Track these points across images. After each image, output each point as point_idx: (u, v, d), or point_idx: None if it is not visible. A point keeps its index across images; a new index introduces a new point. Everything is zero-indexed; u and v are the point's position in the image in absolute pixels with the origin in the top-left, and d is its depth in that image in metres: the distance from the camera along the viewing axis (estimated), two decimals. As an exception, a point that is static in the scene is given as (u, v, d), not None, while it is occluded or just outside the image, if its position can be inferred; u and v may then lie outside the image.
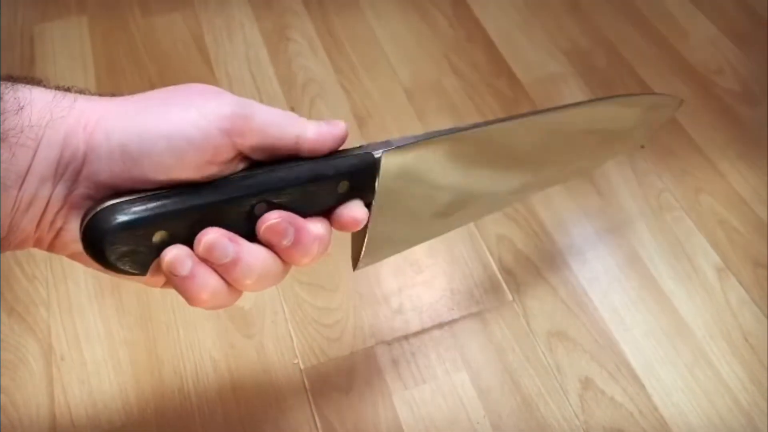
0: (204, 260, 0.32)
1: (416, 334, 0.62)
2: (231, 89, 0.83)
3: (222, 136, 0.31)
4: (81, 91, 0.33)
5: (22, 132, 0.29)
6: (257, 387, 0.59)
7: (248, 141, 0.33)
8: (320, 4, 0.95)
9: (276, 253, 0.34)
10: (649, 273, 0.66)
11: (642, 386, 0.59)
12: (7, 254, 0.67)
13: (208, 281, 0.32)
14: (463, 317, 0.63)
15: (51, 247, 0.33)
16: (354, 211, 0.37)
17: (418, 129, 0.79)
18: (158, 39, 0.91)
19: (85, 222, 0.30)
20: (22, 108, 0.29)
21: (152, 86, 0.84)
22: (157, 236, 0.31)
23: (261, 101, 0.81)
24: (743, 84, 0.83)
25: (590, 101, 0.52)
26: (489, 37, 0.90)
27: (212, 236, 0.32)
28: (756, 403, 0.58)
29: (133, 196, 0.31)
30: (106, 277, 0.65)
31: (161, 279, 0.34)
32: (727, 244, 0.68)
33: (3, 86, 0.29)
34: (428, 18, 0.93)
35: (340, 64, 0.87)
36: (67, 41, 0.90)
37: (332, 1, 0.95)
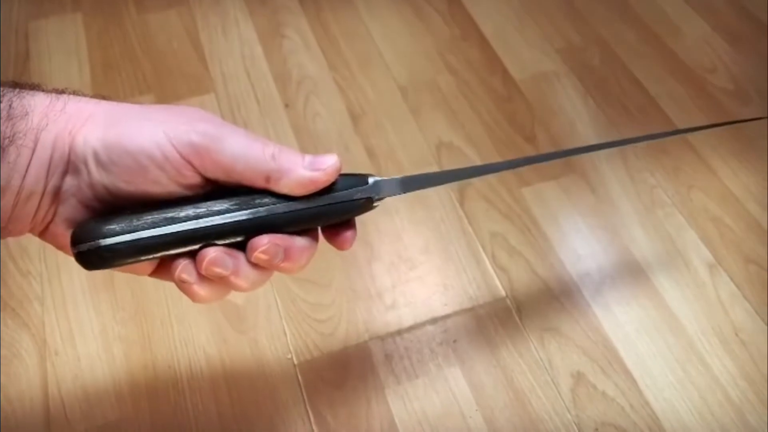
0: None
1: (409, 329, 0.63)
2: (225, 86, 0.83)
3: (184, 163, 0.33)
4: (75, 93, 0.35)
5: (25, 135, 0.32)
6: (251, 382, 0.59)
7: (211, 174, 0.34)
8: (315, 0, 0.95)
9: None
10: (641, 269, 0.66)
11: (633, 381, 0.59)
12: (1, 249, 0.67)
13: (208, 289, 0.35)
14: (456, 313, 0.64)
15: (42, 236, 0.36)
16: (344, 235, 0.38)
17: (412, 126, 0.79)
18: (153, 36, 0.91)
19: (72, 243, 0.33)
20: (27, 114, 0.32)
21: (147, 83, 0.84)
22: (144, 258, 0.34)
23: (256, 98, 0.82)
24: (736, 82, 0.84)
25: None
26: (483, 34, 0.90)
27: (213, 255, 0.34)
28: (747, 399, 0.58)
29: (120, 225, 0.33)
30: (100, 273, 0.65)
31: (151, 268, 0.37)
32: (719, 240, 0.68)
33: (13, 93, 0.32)
34: (423, 15, 0.93)
35: (335, 61, 0.87)
36: (62, 38, 0.90)
37: (327, -2, 0.96)
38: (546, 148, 0.77)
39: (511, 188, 0.73)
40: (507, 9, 0.94)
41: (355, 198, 0.37)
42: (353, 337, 0.62)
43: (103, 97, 0.36)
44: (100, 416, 0.57)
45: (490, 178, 0.74)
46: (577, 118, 0.80)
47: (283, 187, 0.34)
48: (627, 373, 0.59)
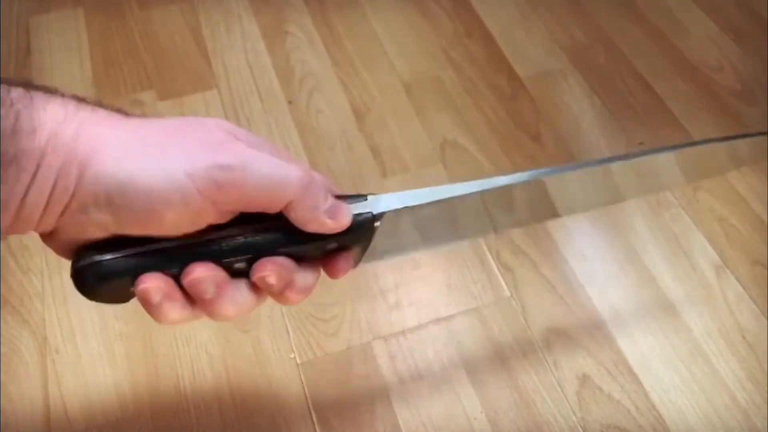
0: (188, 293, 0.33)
1: (413, 329, 0.62)
2: (228, 82, 0.83)
3: (205, 205, 0.31)
4: (95, 105, 0.31)
5: (29, 157, 0.28)
6: (253, 381, 0.59)
7: (231, 207, 0.32)
8: (319, -3, 0.95)
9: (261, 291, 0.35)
10: (647, 270, 0.66)
11: (639, 383, 0.58)
12: (2, 246, 0.67)
13: (183, 311, 0.34)
14: (461, 313, 0.63)
15: (44, 240, 0.33)
16: (340, 264, 0.37)
17: (416, 124, 0.78)
18: (155, 31, 0.90)
19: (72, 272, 0.33)
20: (34, 130, 0.28)
21: (149, 79, 0.83)
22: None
23: (258, 94, 0.81)
24: (743, 82, 0.83)
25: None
26: (488, 32, 0.90)
27: (198, 275, 0.32)
28: (753, 401, 0.57)
29: (115, 256, 0.32)
30: (102, 270, 0.65)
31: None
32: (725, 241, 0.68)
33: (22, 103, 0.28)
34: (427, 12, 0.93)
35: (338, 57, 0.87)
36: (63, 33, 0.89)
37: (331, -6, 0.95)
38: (551, 147, 0.76)
39: (516, 187, 0.72)
40: (512, 6, 0.93)
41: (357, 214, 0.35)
42: (357, 337, 0.61)
43: (118, 110, 0.32)
44: (101, 415, 0.57)
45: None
46: (583, 116, 0.80)
47: (294, 219, 0.33)
48: (632, 375, 0.59)
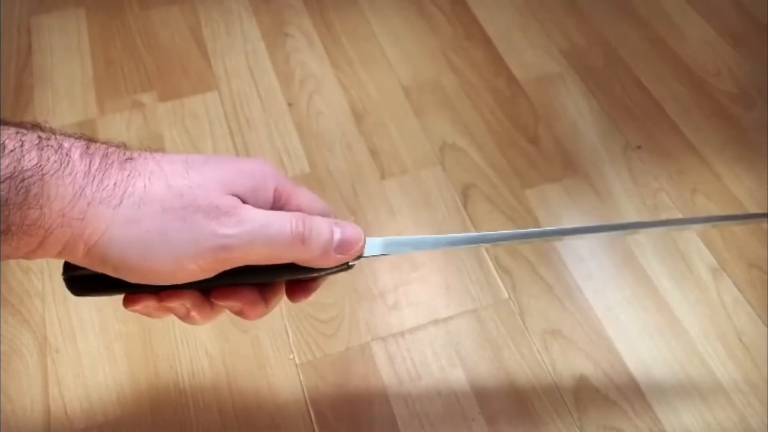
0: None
1: (412, 330, 0.62)
2: (228, 84, 0.83)
3: (203, 272, 0.33)
4: (102, 160, 0.32)
5: (38, 230, 0.30)
6: (253, 381, 0.59)
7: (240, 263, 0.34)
8: (319, -1, 0.95)
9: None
10: (644, 272, 0.66)
11: (636, 385, 0.59)
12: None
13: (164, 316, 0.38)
14: (459, 314, 0.63)
15: None
16: (308, 290, 0.40)
17: (415, 126, 0.79)
18: (156, 32, 0.90)
19: (64, 279, 0.36)
20: (42, 208, 0.29)
21: (149, 79, 0.84)
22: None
23: (259, 96, 0.81)
24: (740, 86, 0.84)
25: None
26: (487, 35, 0.90)
27: (173, 305, 0.36)
28: (750, 403, 0.58)
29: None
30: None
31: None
32: (722, 244, 0.68)
33: (32, 180, 0.29)
34: (426, 15, 0.93)
35: (338, 59, 0.87)
36: (64, 33, 0.90)
37: (331, -4, 0.95)
38: (549, 150, 0.77)
39: (515, 190, 0.73)
40: (511, 9, 0.94)
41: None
42: (355, 338, 0.62)
43: (126, 154, 0.32)
44: (101, 414, 0.57)
45: (494, 179, 0.74)
46: (581, 119, 0.80)
47: (304, 263, 0.36)
48: (629, 376, 0.59)
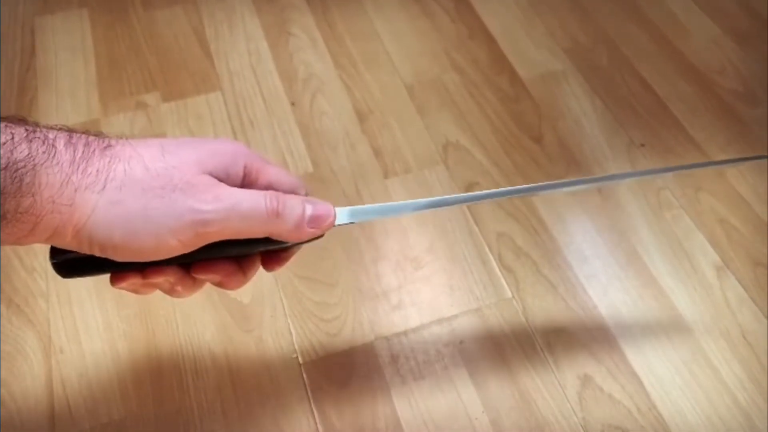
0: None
1: (415, 329, 0.62)
2: (232, 84, 0.83)
3: (183, 246, 0.35)
4: (84, 146, 0.34)
5: (29, 216, 0.31)
6: (256, 381, 0.59)
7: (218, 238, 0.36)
8: (322, -1, 0.95)
9: None
10: (648, 271, 0.66)
11: (640, 384, 0.59)
12: (6, 246, 0.67)
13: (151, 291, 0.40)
14: (463, 313, 0.63)
15: None
16: (281, 260, 0.42)
17: (419, 125, 0.79)
18: (159, 32, 0.90)
19: (51, 262, 0.37)
20: (34, 195, 0.31)
21: (152, 80, 0.84)
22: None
23: (262, 96, 0.81)
24: (745, 84, 0.83)
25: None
26: (490, 33, 0.90)
27: (157, 280, 0.38)
28: (754, 402, 0.58)
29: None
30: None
31: None
32: (727, 242, 0.68)
33: (26, 167, 0.31)
34: (429, 13, 0.93)
35: (341, 59, 0.87)
36: (68, 34, 0.90)
37: (334, -4, 0.95)
38: (553, 148, 0.76)
39: (518, 188, 0.72)
40: (514, 8, 0.93)
41: None
42: (359, 337, 0.62)
43: (105, 142, 0.34)
44: (105, 414, 0.57)
45: (497, 177, 0.74)
46: (584, 118, 0.80)
47: (279, 237, 0.38)
48: (634, 375, 0.59)
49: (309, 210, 0.38)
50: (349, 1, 0.95)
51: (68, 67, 0.86)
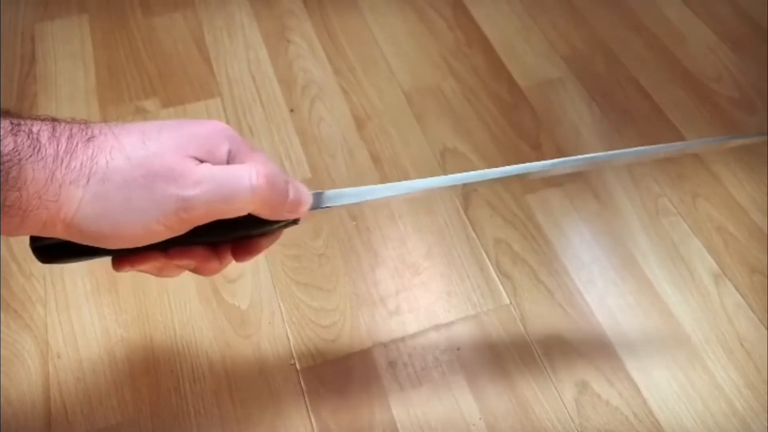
0: None
1: (413, 335, 0.62)
2: (231, 90, 0.83)
3: (168, 231, 0.36)
4: (69, 137, 0.34)
5: (16, 210, 0.32)
6: (253, 387, 0.59)
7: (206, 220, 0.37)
8: (320, 5, 0.95)
9: None
10: (646, 277, 0.66)
11: (638, 390, 0.59)
12: (4, 251, 0.67)
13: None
14: (460, 320, 0.63)
15: None
16: (249, 249, 0.42)
17: (417, 132, 0.79)
18: (159, 39, 0.91)
19: (32, 248, 0.38)
20: (20, 190, 0.32)
21: (152, 86, 0.84)
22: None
23: (261, 102, 0.82)
24: (741, 91, 0.84)
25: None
26: (488, 40, 0.90)
27: (145, 267, 0.39)
28: (751, 408, 0.58)
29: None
30: (103, 275, 0.65)
31: None
32: (724, 249, 0.68)
33: (12, 163, 0.31)
34: (427, 21, 0.93)
35: (340, 66, 0.87)
36: (67, 40, 0.90)
37: (332, 3, 0.96)
38: (550, 155, 0.77)
39: (516, 195, 0.73)
40: (512, 15, 0.94)
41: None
42: (357, 343, 0.62)
43: (89, 131, 0.35)
44: (102, 419, 0.57)
45: (495, 184, 0.74)
46: (582, 125, 0.80)
47: (259, 215, 0.38)
48: (631, 381, 0.59)
49: (292, 192, 0.39)
50: (348, 8, 0.95)
51: (68, 74, 0.86)
